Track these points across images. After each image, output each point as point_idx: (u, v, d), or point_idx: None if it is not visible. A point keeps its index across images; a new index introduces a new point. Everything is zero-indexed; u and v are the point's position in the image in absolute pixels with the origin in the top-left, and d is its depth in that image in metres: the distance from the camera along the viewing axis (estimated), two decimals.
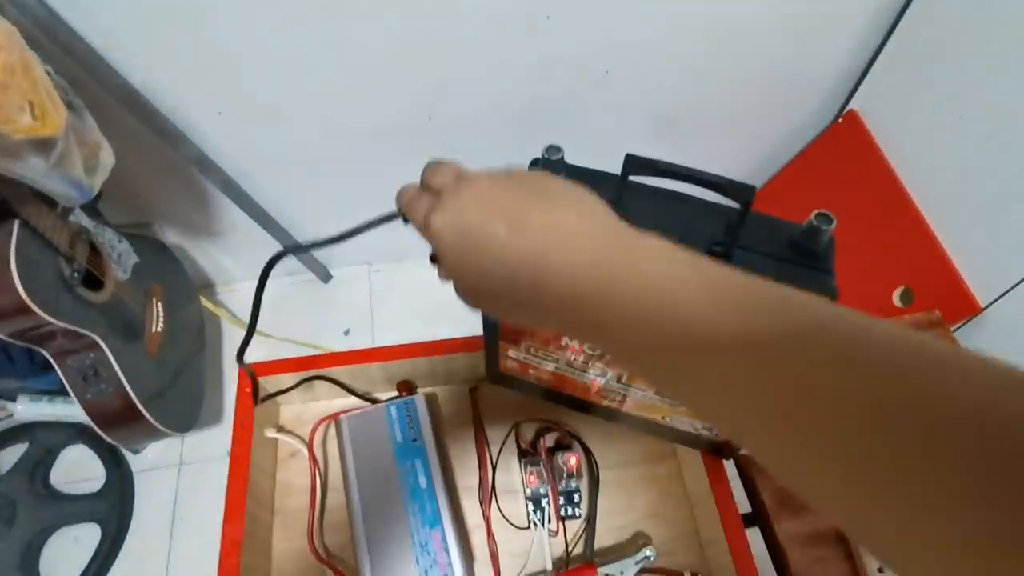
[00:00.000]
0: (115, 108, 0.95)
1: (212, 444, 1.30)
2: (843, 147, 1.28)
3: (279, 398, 0.68)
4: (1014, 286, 0.94)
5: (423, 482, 0.59)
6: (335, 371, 0.65)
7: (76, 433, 1.27)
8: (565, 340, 0.50)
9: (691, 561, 0.62)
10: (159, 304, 1.15)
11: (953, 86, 1.02)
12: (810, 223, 0.45)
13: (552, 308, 0.27)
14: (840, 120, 1.28)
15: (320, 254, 1.47)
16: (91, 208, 1.02)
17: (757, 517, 0.69)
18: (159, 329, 1.13)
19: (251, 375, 0.57)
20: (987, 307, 0.98)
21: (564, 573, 0.58)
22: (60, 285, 0.90)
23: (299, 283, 1.52)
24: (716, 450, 0.59)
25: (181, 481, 1.27)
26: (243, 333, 1.61)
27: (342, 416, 0.64)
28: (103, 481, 1.24)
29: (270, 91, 1.03)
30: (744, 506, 0.65)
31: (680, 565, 0.61)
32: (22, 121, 0.66)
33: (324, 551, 0.61)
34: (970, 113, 1.00)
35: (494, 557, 0.61)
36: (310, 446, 0.63)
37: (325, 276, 1.50)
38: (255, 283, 1.69)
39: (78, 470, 1.26)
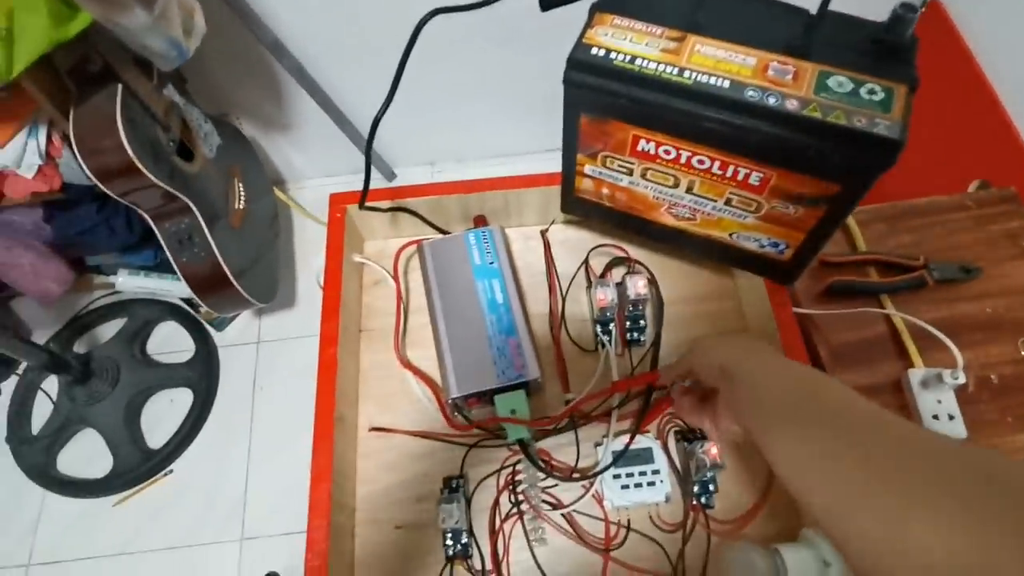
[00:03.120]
0: None
1: (284, 325, 1.41)
2: (924, 38, 1.22)
3: (364, 233, 0.74)
4: None
5: (500, 297, 0.64)
6: (416, 203, 0.70)
7: (168, 311, 1.39)
8: (641, 145, 0.52)
9: None
10: (239, 183, 1.22)
11: None
12: (895, 11, 0.46)
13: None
14: (923, 9, 1.21)
15: (384, 153, 1.51)
16: (180, 86, 1.09)
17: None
18: (241, 206, 1.21)
19: (368, 160, 0.63)
20: None
21: (631, 377, 0.62)
22: (159, 150, 0.97)
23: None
24: (780, 272, 0.61)
25: (259, 356, 1.38)
26: (313, 226, 1.66)
27: (424, 242, 0.69)
28: (192, 353, 1.36)
29: None
30: None
31: None
32: None
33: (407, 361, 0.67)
34: None
35: (563, 375, 0.65)
36: (395, 265, 0.68)
37: (389, 175, 1.55)
38: (323, 181, 1.76)
39: (171, 343, 1.39)
